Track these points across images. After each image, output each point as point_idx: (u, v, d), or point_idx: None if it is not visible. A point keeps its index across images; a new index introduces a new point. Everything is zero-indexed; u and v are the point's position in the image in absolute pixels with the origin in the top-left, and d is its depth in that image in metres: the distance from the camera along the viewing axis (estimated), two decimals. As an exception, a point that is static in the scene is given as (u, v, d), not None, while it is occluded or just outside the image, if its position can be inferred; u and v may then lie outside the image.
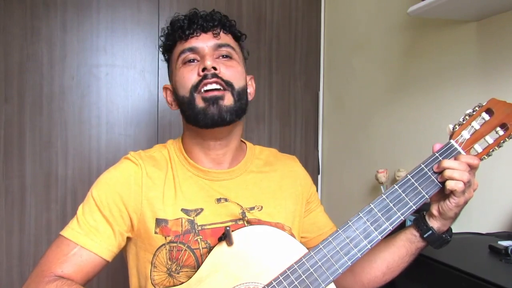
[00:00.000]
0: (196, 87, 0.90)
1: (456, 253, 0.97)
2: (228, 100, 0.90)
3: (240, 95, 0.92)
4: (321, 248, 0.80)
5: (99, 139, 1.92)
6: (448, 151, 0.82)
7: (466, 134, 0.82)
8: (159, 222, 0.89)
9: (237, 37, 0.99)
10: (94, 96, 1.91)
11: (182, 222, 0.89)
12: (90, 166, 1.90)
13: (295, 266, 0.79)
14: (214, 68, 0.89)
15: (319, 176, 2.19)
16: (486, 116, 0.83)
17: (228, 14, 0.99)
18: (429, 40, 1.47)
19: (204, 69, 0.89)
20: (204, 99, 0.89)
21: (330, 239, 0.80)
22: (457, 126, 0.83)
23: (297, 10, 2.17)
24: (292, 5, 2.16)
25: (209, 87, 0.89)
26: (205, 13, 0.96)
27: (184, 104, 0.92)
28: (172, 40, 0.96)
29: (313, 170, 2.18)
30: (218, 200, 0.93)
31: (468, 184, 0.80)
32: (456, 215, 0.85)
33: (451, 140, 0.83)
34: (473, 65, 1.29)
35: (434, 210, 0.86)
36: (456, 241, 1.07)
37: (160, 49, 1.00)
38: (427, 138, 1.46)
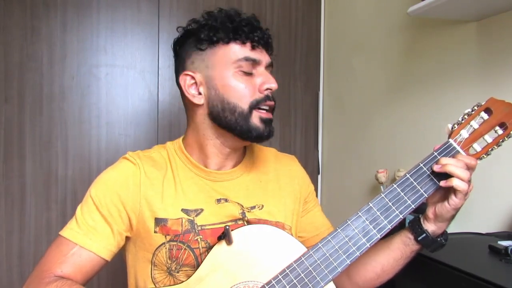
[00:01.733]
0: (257, 104, 0.90)
1: (456, 253, 0.97)
2: (272, 121, 0.93)
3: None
4: (320, 247, 0.80)
5: (99, 139, 1.92)
6: (447, 150, 0.82)
7: (465, 133, 0.83)
8: (158, 221, 0.89)
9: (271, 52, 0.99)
10: (94, 96, 1.91)
11: (182, 222, 0.89)
12: (90, 166, 1.90)
13: (294, 265, 0.79)
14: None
15: (319, 176, 2.19)
16: (485, 116, 0.83)
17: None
18: (429, 40, 1.47)
19: (267, 89, 0.91)
20: (261, 119, 0.90)
21: (329, 238, 0.80)
22: (456, 126, 0.83)
23: (297, 10, 2.17)
24: (292, 5, 2.16)
25: (267, 108, 0.92)
26: (259, 23, 0.93)
27: (233, 113, 0.89)
28: (231, 38, 0.89)
29: (313, 170, 2.18)
30: (218, 200, 0.93)
31: (470, 184, 0.80)
32: (452, 217, 0.85)
33: (450, 139, 0.83)
34: (473, 65, 1.29)
35: (430, 212, 0.85)
36: (456, 241, 1.08)
37: (202, 35, 0.90)
38: (427, 138, 1.46)
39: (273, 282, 0.79)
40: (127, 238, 0.92)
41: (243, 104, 0.89)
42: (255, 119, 0.90)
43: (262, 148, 1.07)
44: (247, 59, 0.89)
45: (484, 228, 1.20)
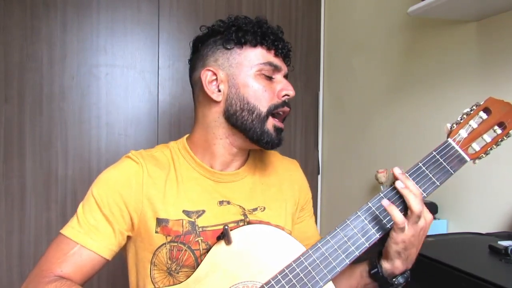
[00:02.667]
0: (275, 108, 0.91)
1: (456, 253, 0.97)
2: (283, 131, 0.95)
3: None
4: (319, 246, 0.80)
5: (99, 139, 1.92)
6: (446, 150, 0.82)
7: (463, 133, 0.83)
8: (159, 221, 0.89)
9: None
10: (94, 96, 1.91)
11: (183, 223, 0.89)
12: (90, 166, 1.90)
13: (294, 265, 0.79)
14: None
15: (319, 176, 2.19)
16: (483, 115, 0.83)
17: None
18: (429, 40, 1.47)
19: (286, 95, 0.93)
20: (275, 127, 0.92)
21: (328, 237, 0.80)
22: (454, 125, 0.84)
23: (297, 10, 2.17)
24: (292, 5, 2.16)
25: (283, 114, 0.94)
26: (283, 34, 0.96)
27: (251, 114, 0.91)
28: (259, 42, 0.92)
29: (313, 170, 2.18)
30: (221, 202, 0.93)
31: (416, 219, 0.77)
32: (398, 254, 0.80)
33: (449, 139, 0.83)
34: (473, 65, 1.29)
35: (384, 248, 0.83)
36: (456, 241, 1.08)
37: (232, 35, 0.92)
38: (427, 138, 1.46)
39: (272, 282, 0.79)
40: (128, 238, 0.92)
41: (262, 106, 0.91)
42: (270, 125, 0.91)
43: (265, 150, 1.07)
44: (270, 63, 0.92)
45: (484, 228, 1.20)
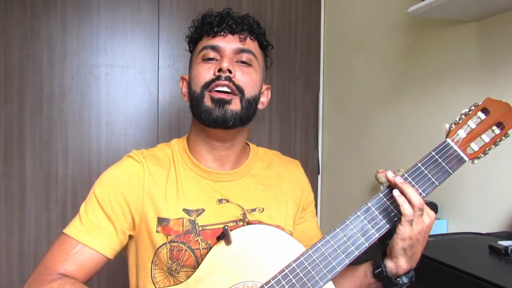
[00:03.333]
0: (207, 85, 0.90)
1: (456, 253, 0.97)
2: (235, 105, 0.90)
3: (249, 103, 0.92)
4: (319, 246, 0.80)
5: (99, 139, 1.92)
6: (444, 150, 0.82)
7: (462, 133, 0.83)
8: (160, 221, 0.89)
9: (263, 46, 0.99)
10: (94, 96, 1.91)
11: (183, 222, 0.89)
12: (90, 166, 1.90)
13: (294, 265, 0.79)
14: (229, 71, 0.89)
15: (319, 176, 2.19)
16: (482, 115, 0.83)
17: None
18: (429, 40, 1.47)
19: (219, 70, 0.89)
20: (212, 99, 0.89)
21: (328, 237, 0.80)
22: (453, 125, 0.84)
23: (297, 10, 2.17)
24: (292, 5, 2.16)
25: (219, 88, 0.89)
26: (238, 15, 0.95)
27: (193, 99, 0.92)
28: (199, 34, 0.96)
29: (313, 170, 2.18)
30: (220, 201, 0.93)
31: (419, 213, 0.77)
32: (403, 251, 0.80)
33: (447, 139, 0.83)
34: (473, 65, 1.29)
35: (388, 247, 0.83)
36: (456, 241, 1.08)
37: (186, 39, 1.00)
38: (427, 138, 1.46)
39: (272, 282, 0.79)
40: (130, 237, 0.92)
41: (197, 88, 0.91)
42: (207, 101, 0.89)
43: (266, 150, 1.07)
44: (205, 47, 0.93)
45: (484, 228, 1.20)
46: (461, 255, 0.97)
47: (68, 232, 0.87)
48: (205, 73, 0.91)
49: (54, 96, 1.87)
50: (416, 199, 0.77)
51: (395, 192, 0.79)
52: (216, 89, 0.89)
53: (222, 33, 0.93)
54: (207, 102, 0.89)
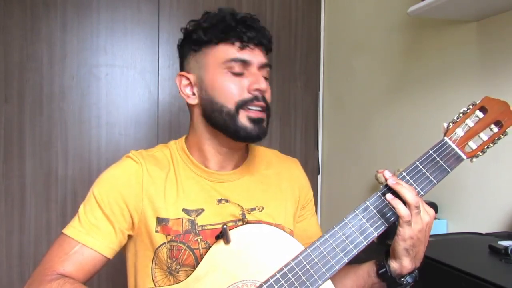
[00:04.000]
0: (243, 104, 0.89)
1: (456, 253, 0.97)
2: (265, 122, 0.92)
3: (270, 117, 0.94)
4: (317, 245, 0.80)
5: (99, 139, 1.92)
6: (442, 148, 0.83)
7: (460, 132, 0.83)
8: (160, 221, 0.89)
9: (269, 51, 0.98)
10: (94, 96, 1.91)
11: (182, 222, 0.89)
12: (90, 166, 1.90)
13: (292, 264, 0.79)
14: (264, 91, 0.90)
15: (319, 176, 2.19)
16: (480, 114, 0.84)
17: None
18: (429, 40, 1.47)
19: (256, 90, 0.89)
20: (250, 119, 0.89)
21: (326, 236, 0.80)
22: (451, 124, 0.84)
23: (297, 10, 2.17)
24: (292, 5, 2.16)
25: (256, 108, 0.89)
26: (257, 22, 0.92)
27: (222, 113, 0.89)
28: (221, 39, 0.90)
29: (313, 170, 2.18)
30: (219, 201, 0.93)
31: (416, 211, 0.77)
32: (406, 252, 0.80)
33: (445, 138, 0.84)
34: (473, 65, 1.29)
35: (391, 248, 0.83)
36: (456, 241, 1.08)
37: (195, 35, 0.92)
38: (427, 138, 1.46)
39: (271, 280, 0.79)
40: (129, 237, 0.92)
41: (230, 104, 0.89)
42: (243, 119, 0.89)
43: (265, 149, 1.07)
44: (235, 60, 0.89)
45: (484, 228, 1.20)
46: (461, 255, 0.97)
47: (67, 232, 0.87)
48: (238, 89, 0.89)
49: (54, 96, 1.87)
50: (411, 198, 0.77)
51: (388, 196, 0.79)
52: (253, 108, 0.89)
53: (251, 45, 0.90)
54: (243, 120, 0.89)
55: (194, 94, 0.94)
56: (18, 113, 1.83)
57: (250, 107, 0.89)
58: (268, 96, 0.92)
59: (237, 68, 0.89)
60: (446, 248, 0.90)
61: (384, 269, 0.83)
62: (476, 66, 1.28)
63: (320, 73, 2.20)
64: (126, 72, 1.95)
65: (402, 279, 0.83)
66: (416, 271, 0.84)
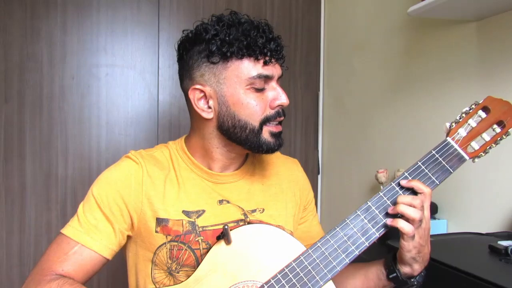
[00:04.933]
0: (267, 120, 0.89)
1: (456, 253, 0.97)
2: (282, 133, 0.93)
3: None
4: (319, 246, 0.80)
5: (99, 139, 1.92)
6: (445, 149, 0.82)
7: (462, 132, 0.83)
8: (159, 221, 0.89)
9: None
10: (94, 96, 1.91)
11: (183, 223, 0.89)
12: (90, 166, 1.90)
13: (293, 264, 0.79)
14: None
15: (319, 176, 2.19)
16: (482, 114, 0.83)
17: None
18: (429, 40, 1.47)
19: (279, 105, 0.89)
20: (272, 134, 0.90)
21: (328, 237, 0.80)
22: (453, 124, 0.84)
23: (297, 10, 2.17)
24: (292, 5, 2.16)
25: (277, 122, 0.91)
26: (274, 33, 0.90)
27: (246, 130, 0.88)
28: (245, 54, 0.86)
29: (313, 170, 2.18)
30: (220, 202, 0.93)
31: (418, 224, 0.79)
32: (413, 260, 0.81)
33: (448, 138, 0.83)
34: (473, 65, 1.29)
35: (397, 256, 0.84)
36: (456, 241, 1.08)
37: (216, 49, 0.86)
38: (427, 138, 1.46)
39: (272, 281, 0.79)
40: (128, 237, 0.92)
41: (254, 121, 0.88)
42: (266, 134, 0.90)
43: None
44: (259, 76, 0.87)
45: (484, 228, 1.20)
46: (461, 255, 0.97)
47: (66, 232, 0.87)
48: (261, 106, 0.88)
49: (54, 96, 1.87)
50: (416, 215, 0.78)
51: (388, 221, 0.80)
52: (275, 123, 0.90)
53: (273, 61, 0.89)
54: (267, 137, 0.89)
55: (209, 108, 0.90)
56: (18, 113, 1.83)
57: (272, 122, 0.90)
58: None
59: (259, 84, 0.88)
60: (446, 248, 0.90)
61: (394, 274, 0.85)
62: (476, 66, 1.28)
63: (320, 73, 2.20)
64: (126, 72, 1.95)
65: (413, 280, 0.84)
66: (424, 270, 0.85)
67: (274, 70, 0.90)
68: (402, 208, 0.78)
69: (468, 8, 1.19)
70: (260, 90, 0.88)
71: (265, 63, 0.87)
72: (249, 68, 0.87)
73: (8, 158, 1.82)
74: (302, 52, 2.18)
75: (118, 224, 0.88)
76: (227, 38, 0.85)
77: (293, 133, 2.18)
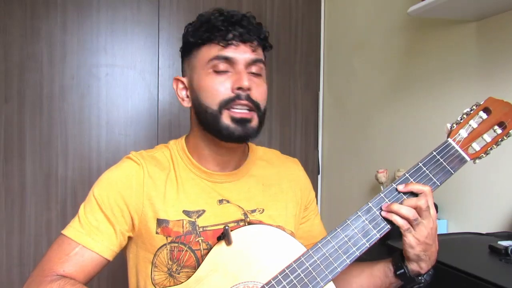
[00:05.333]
0: (225, 104, 0.87)
1: (456, 253, 0.97)
2: (254, 121, 0.89)
3: (264, 115, 0.92)
4: (320, 247, 0.80)
5: (99, 139, 1.92)
6: (446, 150, 0.82)
7: (463, 133, 0.83)
8: (160, 222, 0.89)
9: (266, 49, 0.96)
10: (94, 96, 1.91)
11: (183, 223, 0.89)
12: (90, 166, 1.90)
13: (294, 265, 0.79)
14: (249, 89, 0.87)
15: (319, 176, 2.19)
16: (483, 115, 0.83)
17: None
18: (429, 40, 1.47)
19: (239, 88, 0.87)
20: (233, 119, 0.87)
21: (329, 238, 0.80)
22: (454, 125, 0.84)
23: (297, 10, 2.17)
24: (292, 5, 2.16)
25: (239, 108, 0.88)
26: (247, 20, 0.90)
27: (207, 114, 0.88)
28: (205, 39, 0.89)
29: (313, 170, 2.18)
30: (220, 201, 0.93)
31: (415, 222, 0.79)
32: (419, 257, 0.81)
33: (449, 139, 0.83)
34: (473, 65, 1.29)
35: (403, 253, 0.84)
36: (456, 241, 1.08)
37: (187, 39, 0.92)
38: (427, 138, 1.46)
39: (273, 282, 0.79)
40: (129, 238, 0.92)
41: (213, 105, 0.87)
42: (226, 119, 0.87)
43: (265, 150, 1.06)
44: (217, 57, 0.87)
45: (484, 228, 1.20)
46: (461, 255, 0.97)
47: (67, 233, 0.87)
48: (221, 88, 0.87)
49: (54, 96, 1.87)
50: (405, 212, 0.78)
51: (383, 214, 0.81)
52: (237, 107, 0.87)
53: (235, 43, 0.88)
54: (226, 120, 0.87)
55: (188, 97, 0.95)
56: (18, 113, 1.83)
57: (234, 107, 0.87)
58: (257, 94, 0.89)
59: (221, 66, 0.88)
60: (446, 248, 0.90)
61: (402, 270, 0.84)
62: (476, 66, 1.28)
63: (320, 73, 2.20)
64: (126, 72, 1.95)
65: (420, 278, 0.84)
66: (432, 269, 0.85)
67: (237, 53, 0.88)
68: (393, 206, 0.79)
69: (468, 8, 1.19)
70: (221, 73, 0.88)
71: (225, 46, 0.87)
72: (209, 51, 0.89)
73: (8, 158, 1.82)
74: (302, 52, 2.18)
75: (119, 225, 0.88)
76: (191, 28, 0.92)
77: (293, 133, 2.18)
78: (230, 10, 0.91)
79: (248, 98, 0.87)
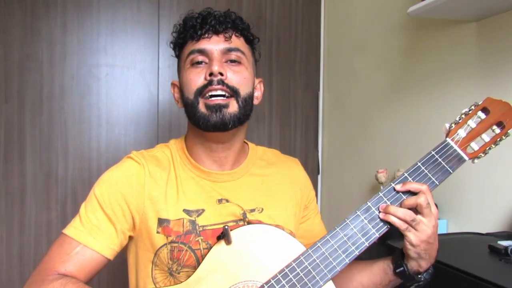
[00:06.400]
0: (200, 91, 0.89)
1: (456, 253, 0.97)
2: (233, 107, 0.89)
3: (246, 102, 0.91)
4: (319, 246, 0.80)
5: (99, 139, 1.92)
6: (444, 149, 0.83)
7: (462, 133, 0.83)
8: (161, 222, 0.89)
9: (249, 40, 0.97)
10: (94, 96, 1.91)
11: (183, 222, 0.89)
12: (90, 166, 1.90)
13: (294, 264, 0.79)
14: (221, 74, 0.88)
15: (319, 176, 2.19)
16: (482, 115, 0.84)
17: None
18: (429, 40, 1.47)
19: (210, 74, 0.88)
20: (207, 106, 0.88)
21: (328, 237, 0.80)
22: (453, 125, 0.84)
23: (297, 10, 2.17)
24: (292, 5, 2.16)
25: (213, 93, 0.88)
26: (219, 14, 0.93)
27: (187, 106, 0.92)
28: (183, 38, 0.94)
29: (313, 170, 2.18)
30: (219, 201, 0.93)
31: (413, 223, 0.79)
32: (419, 255, 0.81)
33: (447, 139, 0.83)
34: (473, 65, 1.29)
35: (404, 251, 0.84)
36: (456, 241, 1.08)
37: (171, 45, 0.99)
38: (426, 138, 1.46)
39: (272, 281, 0.79)
40: (130, 238, 0.92)
41: (190, 94, 0.90)
42: (202, 107, 0.89)
43: (265, 149, 1.06)
44: (193, 51, 0.91)
45: (484, 228, 1.20)
46: (461, 255, 0.97)
47: (68, 232, 0.87)
48: (196, 78, 0.90)
49: (54, 96, 1.87)
50: (402, 214, 0.79)
51: (381, 215, 0.81)
52: (210, 93, 0.88)
53: (207, 35, 0.91)
54: (202, 108, 0.89)
55: (181, 98, 0.97)
56: (18, 113, 1.83)
57: (208, 94, 0.88)
58: (234, 80, 0.90)
59: (197, 59, 0.91)
60: (446, 248, 0.90)
61: (402, 268, 0.84)
62: (476, 66, 1.28)
63: (320, 73, 2.20)
64: (126, 72, 1.95)
65: (420, 276, 0.84)
66: (432, 268, 0.85)
67: (209, 44, 0.91)
68: (390, 210, 0.80)
69: (468, 8, 1.19)
70: (197, 65, 0.91)
71: (197, 40, 0.91)
72: (187, 49, 0.93)
73: (8, 158, 1.82)
74: (302, 52, 2.18)
75: (120, 225, 0.88)
76: (173, 35, 0.97)
77: (293, 133, 2.18)
78: (210, 8, 0.95)
79: (222, 82, 0.89)
